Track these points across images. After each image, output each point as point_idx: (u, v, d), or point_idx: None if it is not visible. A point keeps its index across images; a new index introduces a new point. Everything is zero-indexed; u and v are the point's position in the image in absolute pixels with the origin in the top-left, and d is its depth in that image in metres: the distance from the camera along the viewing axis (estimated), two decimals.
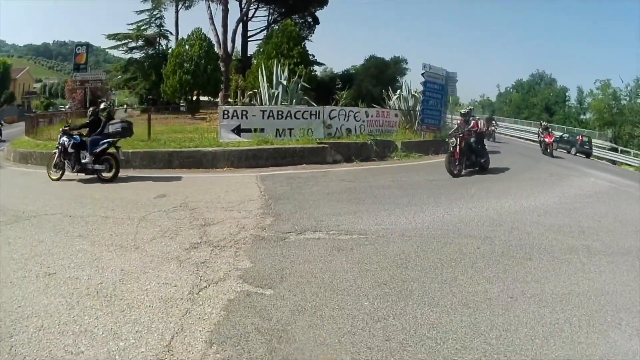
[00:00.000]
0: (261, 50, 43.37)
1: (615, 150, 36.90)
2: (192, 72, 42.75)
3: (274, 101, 19.24)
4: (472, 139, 14.74)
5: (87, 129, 12.44)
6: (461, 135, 14.32)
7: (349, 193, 10.72)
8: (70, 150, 11.90)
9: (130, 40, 54.12)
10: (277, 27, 46.70)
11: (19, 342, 3.91)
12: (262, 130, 16.70)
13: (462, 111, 16.59)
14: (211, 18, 47.91)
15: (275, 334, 4.17)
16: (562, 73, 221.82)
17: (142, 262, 5.86)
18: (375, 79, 47.01)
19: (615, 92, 42.63)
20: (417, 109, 22.97)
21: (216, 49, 46.49)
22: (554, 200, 11.36)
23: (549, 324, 4.65)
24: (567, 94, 78.19)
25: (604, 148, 38.23)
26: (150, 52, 54.49)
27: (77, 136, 12.19)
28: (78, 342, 3.95)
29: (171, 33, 56.71)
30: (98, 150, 11.85)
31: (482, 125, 16.07)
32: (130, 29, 54.71)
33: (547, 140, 27.23)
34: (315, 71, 48.70)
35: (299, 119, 17.56)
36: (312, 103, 20.84)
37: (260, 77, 20.91)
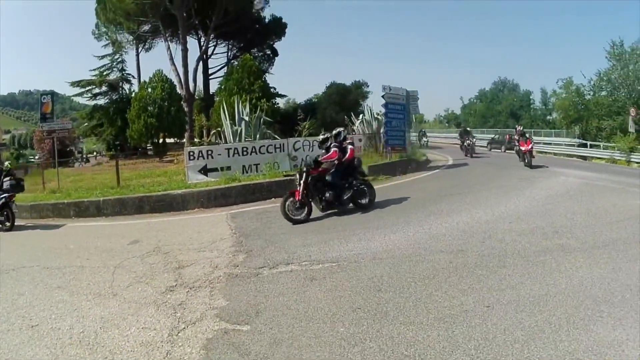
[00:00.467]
0: (223, 87, 43.36)
1: (585, 145, 37.36)
2: (156, 115, 42.80)
3: (237, 138, 19.49)
4: (331, 173, 11.54)
5: None
6: (313, 168, 11.46)
7: (318, 223, 10.90)
8: None
9: (93, 87, 53.72)
10: (236, 62, 46.93)
11: None
12: (228, 168, 16.91)
13: (322, 137, 12.66)
14: (171, 58, 47.90)
15: None
16: (524, 77, 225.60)
17: (121, 308, 6.01)
18: (338, 106, 47.19)
19: (578, 89, 43.18)
20: (381, 131, 23.35)
21: (178, 89, 46.54)
22: (525, 205, 11.69)
23: (528, 328, 4.75)
24: (531, 97, 78.76)
25: (573, 145, 38.70)
26: (114, 97, 54.02)
27: None
28: None
29: (133, 76, 56.41)
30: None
31: (349, 154, 11.80)
32: (93, 75, 54.35)
33: (523, 148, 23.00)
34: (278, 103, 48.87)
35: (264, 153, 17.79)
36: (276, 136, 21.22)
37: (222, 114, 21.29)
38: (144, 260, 8.36)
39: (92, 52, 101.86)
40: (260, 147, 17.93)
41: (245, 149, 17.69)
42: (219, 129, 22.02)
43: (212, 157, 17.04)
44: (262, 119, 21.49)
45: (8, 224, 13.01)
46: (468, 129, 37.96)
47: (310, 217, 11.13)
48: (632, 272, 6.27)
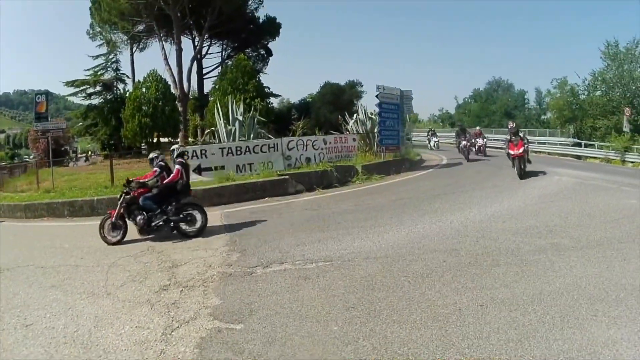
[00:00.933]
0: (217, 87, 43.52)
1: (579, 145, 37.37)
2: (150, 114, 42.85)
3: (231, 137, 19.53)
4: (144, 195, 10.15)
5: None
6: (134, 189, 10.23)
7: (313, 222, 10.89)
8: None
9: (88, 86, 53.79)
10: (231, 62, 47.04)
11: None
12: (222, 167, 16.91)
13: (151, 155, 11.13)
14: (166, 58, 47.89)
15: None
16: (519, 77, 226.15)
17: (115, 307, 6.00)
18: (332, 105, 47.31)
19: (572, 89, 43.22)
20: (375, 130, 23.37)
21: (173, 89, 46.62)
22: (518, 204, 11.73)
23: (522, 326, 4.78)
24: (525, 97, 79.31)
25: (567, 145, 38.73)
26: (108, 97, 54.15)
27: None
28: None
29: (128, 76, 56.61)
30: None
31: (181, 174, 10.41)
32: (88, 75, 54.49)
33: (512, 152, 17.74)
34: (272, 103, 49.09)
35: (257, 153, 17.84)
36: (270, 136, 21.22)
37: (216, 114, 21.30)
38: (137, 260, 8.34)
39: (86, 52, 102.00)
40: (254, 147, 17.97)
41: (239, 148, 17.71)
42: (213, 128, 21.95)
43: (206, 157, 17.07)
44: (256, 119, 21.53)
45: None
46: (465, 127, 34.87)
47: (124, 239, 9.97)
48: (627, 271, 6.30)
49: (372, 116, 24.87)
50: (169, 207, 10.09)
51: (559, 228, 8.95)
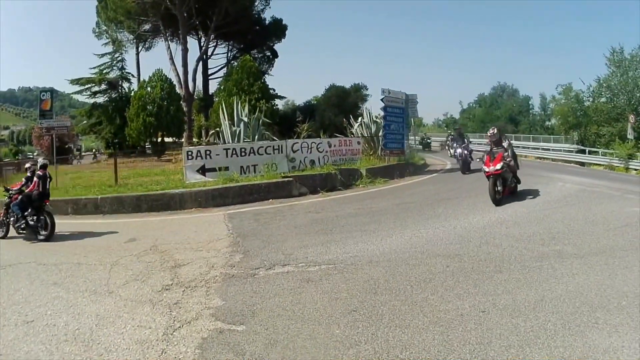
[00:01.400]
0: (222, 87, 43.57)
1: (583, 151, 37.35)
2: (155, 114, 43.02)
3: (236, 139, 19.50)
4: (14, 202, 11.61)
5: None
6: (14, 195, 11.82)
7: (316, 224, 10.88)
8: None
9: (93, 85, 54.00)
10: (236, 63, 47.02)
11: None
12: (226, 168, 16.88)
13: (27, 165, 13.06)
14: (171, 58, 48.03)
15: None
16: (524, 83, 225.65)
17: (117, 306, 6.00)
18: (337, 108, 47.18)
19: (577, 95, 43.20)
20: (379, 134, 23.37)
21: (178, 89, 46.80)
22: (522, 210, 11.67)
23: (524, 333, 4.73)
24: (530, 102, 79.31)
25: (571, 151, 38.74)
26: (113, 95, 54.36)
27: None
28: None
29: (133, 75, 56.89)
30: None
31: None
32: (93, 73, 54.65)
33: (488, 169, 12.86)
34: (277, 105, 49.01)
35: (262, 154, 17.76)
36: (274, 138, 21.26)
37: (221, 115, 21.25)
38: (140, 259, 8.34)
39: (92, 50, 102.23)
40: (258, 148, 17.90)
41: (243, 149, 17.65)
42: (218, 129, 21.94)
43: (211, 157, 17.00)
44: (260, 120, 21.52)
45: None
46: (463, 131, 28.67)
47: (7, 236, 11.68)
48: (629, 280, 6.26)
49: (377, 120, 24.85)
50: (28, 212, 11.30)
51: (561, 235, 8.89)
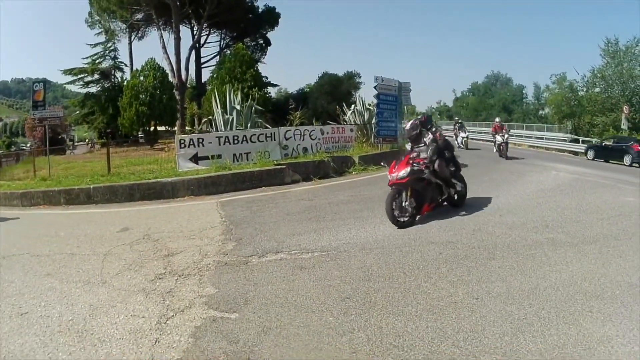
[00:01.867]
0: (215, 76, 43.58)
1: (577, 141, 37.41)
2: (148, 103, 42.84)
3: (229, 126, 19.39)
4: None
5: None
6: None
7: (309, 212, 10.87)
8: None
9: (86, 75, 53.64)
10: (229, 51, 47.06)
11: None
12: (219, 156, 16.78)
13: None
14: (164, 47, 47.89)
15: (243, 355, 4.30)
16: (518, 72, 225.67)
17: (110, 296, 5.98)
18: (330, 96, 47.21)
19: (571, 85, 43.37)
20: (372, 122, 23.52)
21: (170, 78, 46.63)
22: (515, 198, 11.72)
23: (517, 320, 4.75)
24: (524, 91, 79.78)
25: (565, 140, 38.79)
26: (106, 85, 54.02)
27: None
28: None
29: (126, 65, 56.54)
30: None
31: None
32: (86, 63, 54.29)
33: (389, 175, 9.56)
34: (270, 93, 49.10)
35: (254, 142, 17.69)
36: (267, 125, 21.22)
37: (214, 103, 21.18)
38: (133, 248, 8.30)
39: (84, 40, 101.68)
40: (251, 136, 17.83)
41: (236, 137, 17.58)
42: (211, 117, 21.96)
43: (203, 145, 16.92)
44: (253, 108, 21.45)
45: None
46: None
47: None
48: (622, 268, 6.28)
49: (370, 107, 24.93)
50: None
51: (555, 223, 8.92)
